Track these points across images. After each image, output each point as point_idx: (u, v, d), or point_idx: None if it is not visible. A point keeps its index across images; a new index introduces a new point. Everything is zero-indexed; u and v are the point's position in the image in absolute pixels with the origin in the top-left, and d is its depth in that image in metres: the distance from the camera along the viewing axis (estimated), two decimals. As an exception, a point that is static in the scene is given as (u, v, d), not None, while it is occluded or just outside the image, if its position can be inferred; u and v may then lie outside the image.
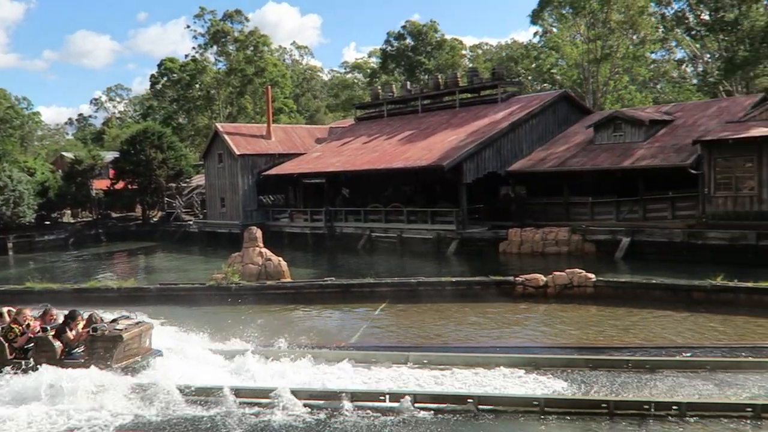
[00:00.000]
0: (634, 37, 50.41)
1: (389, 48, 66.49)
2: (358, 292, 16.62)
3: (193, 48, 64.83)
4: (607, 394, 8.75)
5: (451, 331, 13.33)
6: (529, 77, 59.33)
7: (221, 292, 16.90)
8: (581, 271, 15.77)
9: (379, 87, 45.67)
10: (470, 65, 59.86)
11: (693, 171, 23.98)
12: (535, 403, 8.34)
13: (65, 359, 9.76)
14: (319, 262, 28.65)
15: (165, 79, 63.77)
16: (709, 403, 8.09)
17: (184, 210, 44.33)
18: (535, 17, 52.51)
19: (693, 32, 46.15)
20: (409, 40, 66.02)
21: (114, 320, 10.35)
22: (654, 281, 15.40)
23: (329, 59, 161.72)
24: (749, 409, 7.83)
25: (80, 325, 10.15)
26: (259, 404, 8.80)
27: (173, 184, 44.54)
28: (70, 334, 10.00)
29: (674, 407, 8.00)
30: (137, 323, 10.33)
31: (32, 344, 9.86)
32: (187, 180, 46.37)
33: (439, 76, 40.57)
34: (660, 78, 59.14)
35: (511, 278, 16.30)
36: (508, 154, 30.37)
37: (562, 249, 25.08)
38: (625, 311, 14.11)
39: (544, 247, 25.32)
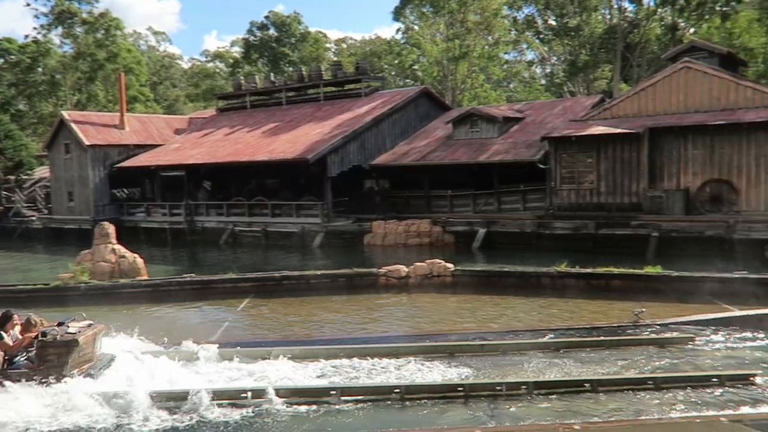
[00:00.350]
0: (489, 38, 53.05)
1: (252, 38, 65.08)
2: (219, 288, 16.15)
3: (35, 28, 59.56)
4: (464, 378, 9.17)
5: (315, 324, 13.34)
6: (392, 73, 60.60)
7: (68, 293, 15.71)
8: (440, 261, 16.38)
9: (242, 77, 44.61)
10: (334, 59, 60.00)
11: (541, 166, 25.72)
12: (396, 391, 8.55)
13: (8, 370, 8.55)
14: (179, 258, 27.53)
15: (1, 60, 58.04)
16: (554, 381, 8.73)
17: (25, 205, 40.67)
18: (398, 14, 53.76)
19: (541, 36, 49.40)
20: (272, 31, 65.01)
21: (60, 323, 9.14)
22: (507, 269, 16.36)
23: (189, 47, 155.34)
24: (587, 384, 8.54)
25: (17, 329, 8.93)
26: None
27: (12, 177, 40.80)
28: (8, 341, 8.73)
29: (523, 386, 8.55)
30: (89, 325, 9.20)
31: None
32: (29, 172, 42.66)
33: (304, 69, 40.38)
34: (512, 78, 62.77)
35: (374, 270, 16.60)
36: (372, 147, 30.88)
37: (423, 240, 25.92)
38: (480, 298, 14.87)
39: (406, 239, 26.04)
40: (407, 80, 58.00)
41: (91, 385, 8.55)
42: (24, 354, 8.79)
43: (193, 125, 40.38)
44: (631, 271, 14.82)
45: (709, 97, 23.55)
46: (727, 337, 10.53)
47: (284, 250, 27.15)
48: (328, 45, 72.02)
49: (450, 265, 16.20)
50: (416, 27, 55.69)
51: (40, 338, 8.60)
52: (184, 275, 17.15)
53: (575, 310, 13.37)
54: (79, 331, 8.83)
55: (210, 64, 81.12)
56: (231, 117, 38.55)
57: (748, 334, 10.54)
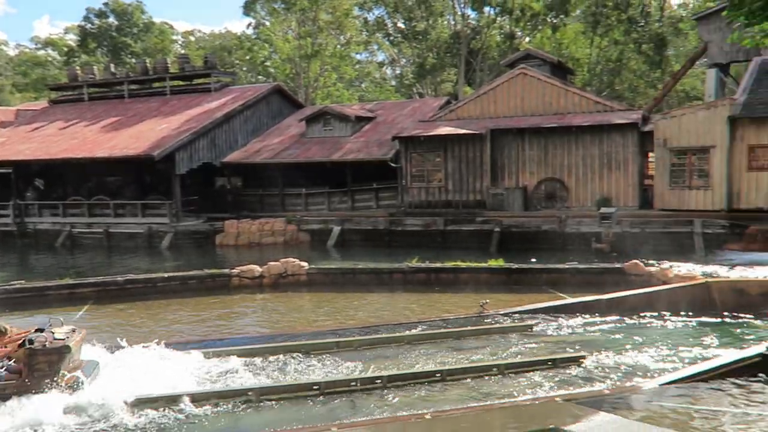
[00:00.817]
0: (341, 37, 53.58)
1: (89, 26, 60.62)
2: (54, 296, 14.88)
3: None
4: (320, 376, 9.20)
5: (164, 329, 12.72)
6: (244, 68, 59.22)
7: None
8: (295, 260, 16.31)
9: (79, 68, 41.29)
10: (182, 52, 57.48)
11: (393, 164, 26.43)
12: (249, 393, 8.39)
13: None
14: (8, 263, 24.99)
15: None
16: (406, 373, 9.02)
17: None
18: (248, 9, 52.65)
19: (391, 38, 50.75)
20: (112, 19, 60.97)
21: (40, 329, 8.31)
22: (360, 266, 16.67)
23: (17, 32, 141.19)
24: (438, 375, 8.92)
25: None
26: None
27: None
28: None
29: (377, 381, 8.75)
30: (73, 330, 8.39)
31: None
32: None
33: (148, 61, 38.27)
34: (364, 77, 63.87)
35: (227, 270, 16.17)
36: (223, 144, 29.99)
37: (278, 239, 25.65)
38: (335, 296, 15.01)
39: (261, 238, 25.62)
40: (259, 77, 57.00)
41: (91, 393, 7.98)
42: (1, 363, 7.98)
43: (21, 118, 36.85)
44: (476, 264, 15.71)
45: (543, 102, 25.50)
46: (561, 323, 11.47)
47: (130, 253, 25.60)
48: (174, 37, 68.86)
49: (305, 264, 16.18)
50: (267, 23, 54.89)
51: (27, 345, 7.86)
52: (13, 282, 15.62)
53: (426, 304, 13.91)
54: (68, 337, 8.16)
55: (41, 52, 74.33)
56: (66, 110, 35.60)
57: (578, 320, 11.55)
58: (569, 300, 12.51)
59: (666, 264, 15.01)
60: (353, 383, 8.70)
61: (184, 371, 9.22)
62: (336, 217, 26.16)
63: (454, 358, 9.80)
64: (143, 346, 9.80)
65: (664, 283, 13.16)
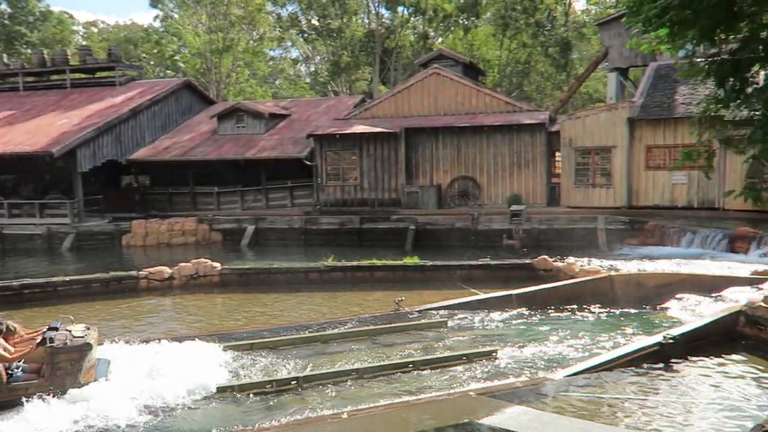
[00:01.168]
0: (254, 32, 52.59)
1: (-21, 12, 56.38)
2: (-60, 303, 13.77)
3: None
4: (234, 378, 8.95)
5: (65, 336, 11.99)
6: (151, 62, 57.02)
7: None
8: (207, 260, 15.83)
9: (-33, 57, 38.35)
10: (83, 43, 54.61)
11: (308, 162, 26.18)
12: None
13: (12, 384, 7.52)
14: None
15: None
16: (323, 373, 8.92)
17: None
18: (156, 0, 50.69)
19: (305, 35, 50.28)
20: (5, 6, 56.99)
21: (53, 327, 8.19)
22: (275, 266, 16.38)
23: None
24: (354, 373, 8.88)
25: None
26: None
27: None
28: (6, 353, 7.68)
29: (293, 381, 8.61)
30: (87, 328, 8.38)
31: None
32: None
33: (46, 52, 36.07)
34: (278, 74, 63.01)
35: (134, 272, 15.47)
36: (130, 141, 28.74)
37: (189, 239, 24.86)
38: (249, 297, 14.67)
39: (170, 239, 24.74)
40: (168, 71, 55.06)
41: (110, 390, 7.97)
42: (19, 365, 7.79)
43: None
44: (391, 262, 15.79)
45: (455, 102, 26.00)
46: (474, 318, 11.70)
47: (27, 255, 24.06)
48: (75, 27, 65.25)
49: (217, 264, 15.74)
50: (176, 15, 53.10)
51: (48, 344, 7.79)
52: None
53: (342, 303, 13.84)
54: (86, 335, 8.15)
55: None
56: (-47, 102, 33.04)
57: (491, 315, 11.82)
58: (482, 295, 12.78)
59: (572, 259, 15.63)
60: (268, 385, 8.53)
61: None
62: (250, 216, 25.64)
63: (370, 356, 9.78)
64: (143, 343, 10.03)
65: (571, 277, 13.70)
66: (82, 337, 8.13)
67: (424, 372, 9.00)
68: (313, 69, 58.01)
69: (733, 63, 6.64)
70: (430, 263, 15.58)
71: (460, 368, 9.08)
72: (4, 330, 8.18)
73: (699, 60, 7.26)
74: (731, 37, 6.72)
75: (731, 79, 6.76)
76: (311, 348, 10.34)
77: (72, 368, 7.86)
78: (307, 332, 11.03)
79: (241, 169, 27.78)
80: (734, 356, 9.19)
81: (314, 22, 49.33)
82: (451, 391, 8.17)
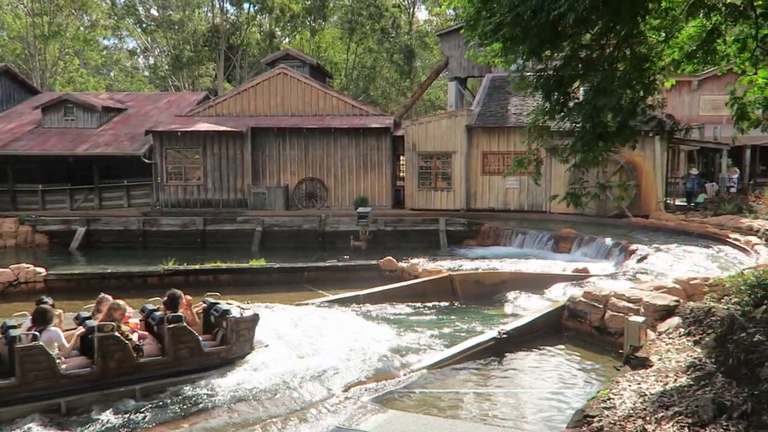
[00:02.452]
0: (85, 18, 48.87)
1: None
2: None
3: None
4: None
5: None
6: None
7: None
8: (29, 265, 14.41)
9: None
10: None
11: (146, 160, 24.80)
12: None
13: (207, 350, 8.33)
14: None
15: None
16: (159, 384, 8.45)
17: None
18: (-33, -25, 45.40)
19: (144, 25, 47.61)
20: None
21: (213, 304, 9.04)
22: (109, 270, 15.28)
23: None
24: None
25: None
26: None
27: None
28: (196, 321, 8.68)
29: (129, 396, 8.07)
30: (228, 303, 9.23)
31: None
32: None
33: None
34: (113, 65, 59.04)
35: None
36: (-66, 132, 25.48)
37: (8, 242, 22.57)
38: (80, 305, 13.54)
39: (-16, 242, 22.25)
40: (-18, 55, 49.45)
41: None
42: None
43: None
44: (237, 265, 15.37)
45: (303, 103, 25.96)
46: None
47: None
48: None
49: (41, 270, 14.39)
50: (-7, -6, 47.89)
51: (231, 315, 8.58)
52: None
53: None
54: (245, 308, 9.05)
55: None
56: None
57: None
58: (330, 297, 12.85)
59: (415, 260, 16.21)
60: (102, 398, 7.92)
61: None
62: (80, 216, 23.72)
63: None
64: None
65: (415, 277, 14.19)
66: (246, 309, 9.06)
67: (143, 399, 8.48)
68: (152, 62, 55.06)
69: (557, 78, 7.25)
70: (277, 265, 15.39)
71: (176, 395, 8.53)
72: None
73: (528, 74, 7.83)
74: (556, 54, 7.32)
75: (556, 93, 7.37)
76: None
77: (248, 335, 8.77)
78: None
79: (71, 165, 25.69)
80: (559, 347, 10.04)
81: (153, 12, 46.86)
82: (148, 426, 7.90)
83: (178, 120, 25.79)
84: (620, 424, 5.32)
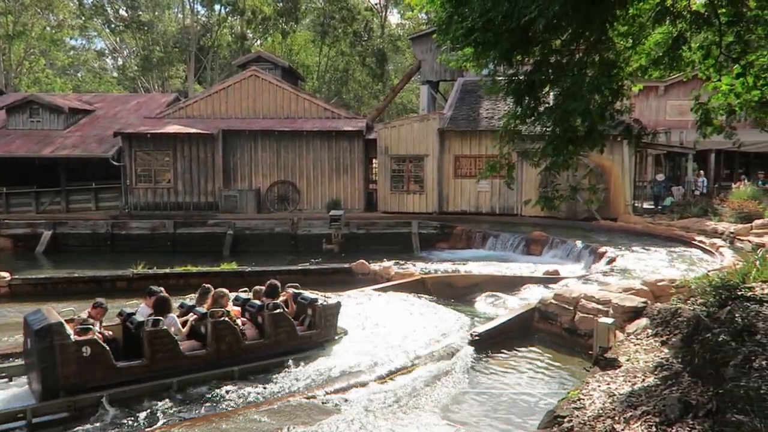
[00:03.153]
0: (52, 18, 48.00)
1: None
2: None
3: None
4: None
5: None
6: None
7: None
8: (-6, 270, 14.11)
9: None
10: None
11: (115, 162, 24.43)
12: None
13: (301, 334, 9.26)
14: None
15: None
16: (131, 389, 8.32)
17: None
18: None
19: (112, 26, 46.92)
20: None
21: (297, 293, 9.82)
22: (77, 275, 15.02)
23: None
24: (173, 387, 8.37)
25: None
26: None
27: None
28: (292, 308, 9.56)
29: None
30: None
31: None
32: None
33: None
34: (81, 66, 58.05)
35: None
36: None
37: (-30, 246, 21.97)
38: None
39: (-54, 246, 21.66)
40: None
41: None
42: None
43: None
44: (207, 268, 15.24)
45: (275, 105, 25.83)
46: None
47: None
48: None
49: (5, 274, 14.09)
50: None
51: (319, 302, 9.44)
52: None
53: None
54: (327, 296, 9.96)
55: None
56: None
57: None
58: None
59: (388, 263, 16.25)
60: (69, 405, 7.75)
61: None
62: (47, 220, 23.24)
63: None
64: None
65: (387, 280, 14.21)
66: (329, 298, 9.82)
67: (248, 378, 8.76)
68: (121, 63, 54.28)
69: (528, 83, 7.33)
70: (248, 269, 15.29)
71: (282, 373, 8.99)
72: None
73: (500, 78, 7.91)
74: (527, 59, 7.41)
75: (527, 98, 7.45)
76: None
77: (333, 322, 9.64)
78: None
79: (36, 167, 25.18)
80: (530, 348, 10.14)
81: (122, 12, 46.21)
82: (275, 396, 8.06)
83: (148, 122, 25.46)
84: (590, 424, 5.40)
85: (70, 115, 27.09)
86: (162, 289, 9.04)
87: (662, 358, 6.88)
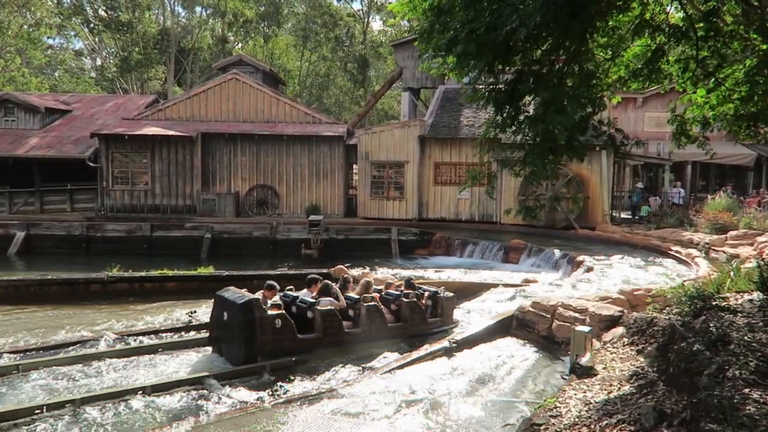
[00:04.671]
0: (29, 16, 47.31)
1: None
2: None
3: None
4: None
5: None
6: None
7: None
8: (-36, 271, 13.80)
9: None
10: None
11: (91, 164, 24.12)
12: None
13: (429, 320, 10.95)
14: None
15: None
16: (103, 393, 8.19)
17: None
18: None
19: (91, 25, 46.40)
20: None
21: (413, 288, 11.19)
22: (50, 277, 14.76)
23: None
24: (140, 391, 8.26)
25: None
26: None
27: None
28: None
29: (68, 405, 7.80)
30: None
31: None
32: None
33: None
34: (58, 66, 57.27)
35: None
36: None
37: (-60, 247, 21.49)
38: (18, 312, 13.05)
39: None
40: None
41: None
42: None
43: None
44: (184, 272, 15.08)
45: (255, 109, 25.72)
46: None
47: None
48: None
49: (-23, 276, 13.79)
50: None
51: (441, 295, 11.17)
52: None
53: (129, 316, 12.89)
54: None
55: None
56: None
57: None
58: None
59: (366, 269, 16.20)
60: (38, 410, 7.62)
61: None
62: (20, 221, 22.85)
63: (162, 371, 9.21)
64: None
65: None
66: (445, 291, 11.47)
67: (231, 384, 8.69)
68: (99, 63, 53.67)
69: (509, 92, 7.38)
70: (225, 273, 15.16)
71: (255, 380, 8.91)
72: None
73: (481, 87, 7.94)
74: (508, 69, 7.46)
75: (507, 107, 7.50)
76: (96, 365, 9.45)
77: (451, 312, 11.28)
78: (84, 349, 10.08)
79: (10, 167, 24.77)
80: (508, 356, 10.15)
81: (101, 12, 45.72)
82: (248, 404, 7.98)
83: (126, 123, 25.19)
84: (566, 433, 5.42)
85: (46, 114, 26.70)
86: (320, 277, 10.80)
87: (638, 367, 6.94)
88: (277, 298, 9.94)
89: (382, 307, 10.51)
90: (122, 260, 16.16)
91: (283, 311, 9.47)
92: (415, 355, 9.49)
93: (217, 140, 24.58)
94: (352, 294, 10.64)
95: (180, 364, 9.66)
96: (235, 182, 24.78)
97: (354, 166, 25.81)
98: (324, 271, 15.52)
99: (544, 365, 9.72)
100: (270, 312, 9.24)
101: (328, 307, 9.84)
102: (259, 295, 9.63)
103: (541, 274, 16.18)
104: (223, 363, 9.39)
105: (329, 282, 10.53)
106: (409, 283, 11.46)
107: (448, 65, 7.79)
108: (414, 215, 24.04)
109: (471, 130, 23.47)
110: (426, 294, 11.26)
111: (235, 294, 9.47)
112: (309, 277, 10.75)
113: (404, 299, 10.66)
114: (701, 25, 7.44)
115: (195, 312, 11.75)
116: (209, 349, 10.19)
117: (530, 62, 7.33)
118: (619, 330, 8.74)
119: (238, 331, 9.10)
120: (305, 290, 10.51)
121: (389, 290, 11.17)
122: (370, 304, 10.18)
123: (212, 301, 10.17)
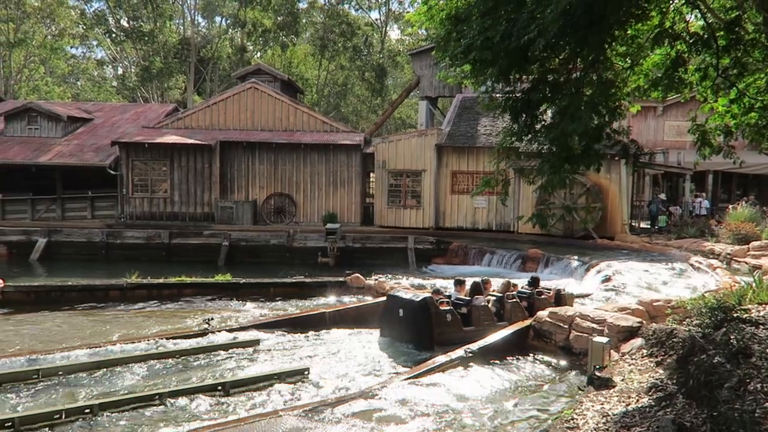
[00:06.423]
0: (53, 27, 48.17)
1: None
2: None
3: None
4: (14, 411, 7.95)
5: None
6: None
7: None
8: (-14, 277, 14.02)
9: None
10: None
11: (112, 171, 24.42)
12: None
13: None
14: None
15: None
16: (121, 399, 8.25)
17: None
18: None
19: (113, 35, 47.07)
20: None
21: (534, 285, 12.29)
22: (70, 283, 14.94)
23: None
24: (157, 398, 8.32)
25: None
26: None
27: None
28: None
29: (87, 410, 7.86)
30: None
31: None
32: None
33: None
34: (80, 75, 58.17)
35: None
36: None
37: (-37, 253, 21.89)
38: (39, 317, 13.21)
39: (-61, 252, 21.55)
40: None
41: None
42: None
43: None
44: (202, 279, 15.18)
45: (273, 118, 25.89)
46: (287, 337, 11.60)
47: None
48: None
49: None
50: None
51: (562, 293, 12.19)
52: None
53: (148, 323, 12.98)
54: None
55: None
56: None
57: (305, 333, 11.80)
58: (295, 313, 12.73)
59: (382, 277, 16.19)
60: (57, 415, 7.69)
61: None
62: (42, 227, 23.18)
63: (176, 379, 9.26)
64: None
65: (382, 295, 14.14)
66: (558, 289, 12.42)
67: (234, 394, 8.71)
68: (120, 72, 54.41)
69: (525, 101, 7.35)
70: (243, 281, 15.23)
71: (271, 388, 8.93)
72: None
73: (497, 96, 7.92)
74: (524, 77, 7.44)
75: (524, 115, 7.47)
76: (108, 373, 9.53)
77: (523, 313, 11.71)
78: (102, 355, 10.17)
79: (33, 175, 25.16)
80: (525, 366, 10.08)
81: (123, 22, 46.38)
82: (261, 412, 7.99)
83: (146, 131, 25.48)
84: (583, 445, 5.35)
85: (69, 123, 27.11)
86: (466, 279, 12.10)
87: (657, 379, 6.84)
88: (461, 293, 11.51)
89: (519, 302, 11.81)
90: (141, 267, 16.33)
91: (452, 307, 10.84)
92: (430, 364, 9.45)
93: (236, 148, 24.77)
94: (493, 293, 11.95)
95: (197, 370, 9.70)
96: (253, 190, 24.94)
97: (371, 174, 25.83)
98: (340, 279, 15.53)
99: (561, 376, 9.63)
100: (442, 308, 10.72)
101: (483, 303, 11.24)
102: (426, 294, 11.05)
103: (559, 284, 16.02)
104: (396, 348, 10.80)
105: (478, 281, 11.80)
106: (534, 280, 12.52)
107: (465, 74, 7.78)
108: (431, 224, 24.00)
109: (488, 139, 23.42)
110: (551, 293, 12.28)
111: (409, 293, 11.23)
112: (456, 279, 12.20)
113: (506, 300, 11.62)
114: (722, 33, 7.37)
115: (212, 319, 11.80)
116: (215, 356, 10.29)
117: (547, 71, 7.31)
118: (638, 341, 8.63)
119: (415, 326, 10.67)
120: (453, 290, 11.91)
121: (521, 289, 12.28)
122: (512, 300, 11.57)
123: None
